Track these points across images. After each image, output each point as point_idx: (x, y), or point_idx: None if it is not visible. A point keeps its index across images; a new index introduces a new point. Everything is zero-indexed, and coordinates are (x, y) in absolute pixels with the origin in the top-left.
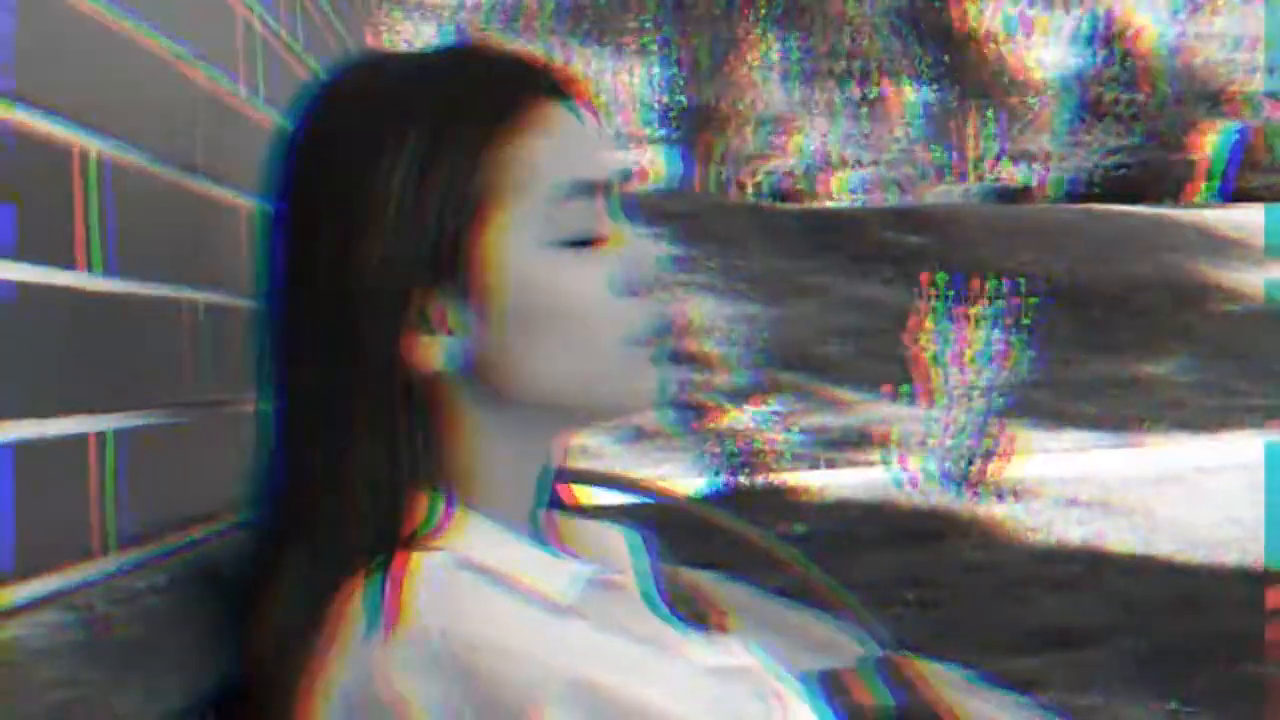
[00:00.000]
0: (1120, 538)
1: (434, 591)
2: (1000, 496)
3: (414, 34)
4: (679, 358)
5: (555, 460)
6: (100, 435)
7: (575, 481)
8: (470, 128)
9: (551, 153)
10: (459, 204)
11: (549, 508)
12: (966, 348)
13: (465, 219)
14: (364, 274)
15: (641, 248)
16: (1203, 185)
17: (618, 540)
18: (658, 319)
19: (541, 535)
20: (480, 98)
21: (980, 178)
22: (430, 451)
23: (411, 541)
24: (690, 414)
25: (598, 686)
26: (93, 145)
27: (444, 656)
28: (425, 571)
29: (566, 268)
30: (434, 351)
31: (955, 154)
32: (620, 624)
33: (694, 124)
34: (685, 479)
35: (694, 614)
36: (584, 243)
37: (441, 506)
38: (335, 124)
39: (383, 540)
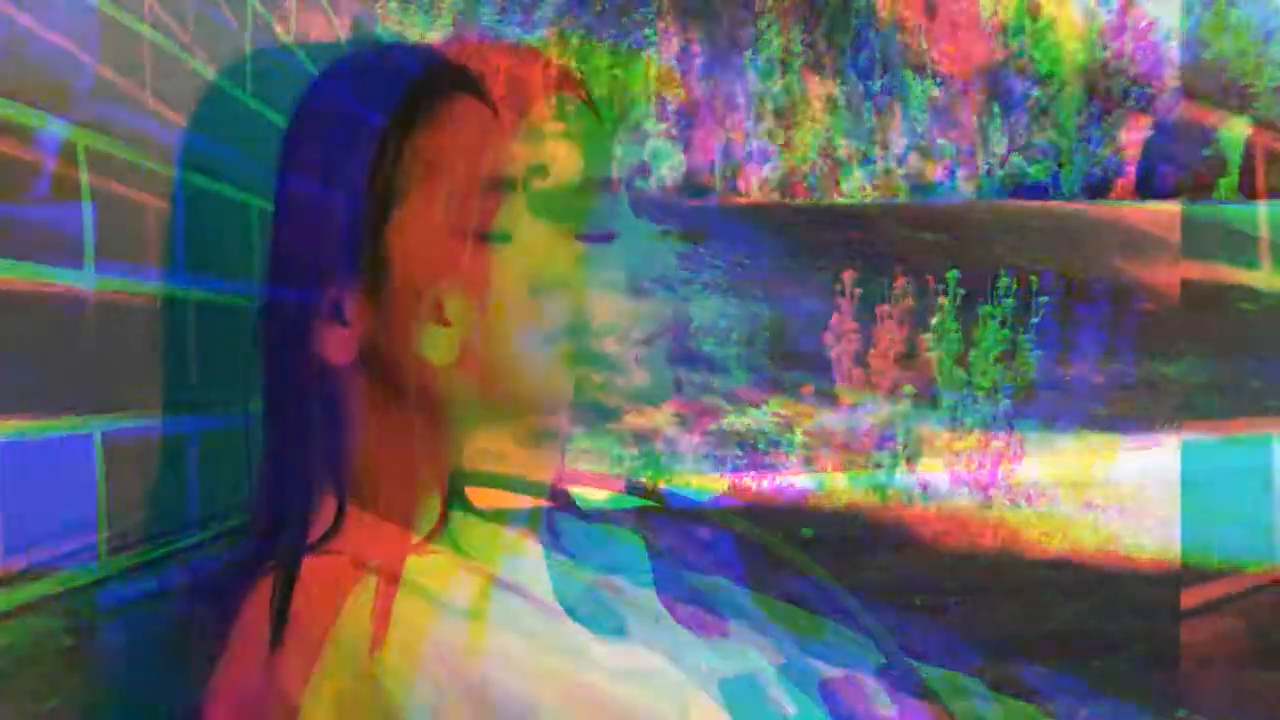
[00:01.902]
0: (1135, 541)
1: (330, 596)
2: (1012, 500)
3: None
4: (682, 358)
5: (465, 461)
6: (89, 437)
7: (572, 483)
8: (375, 120)
9: (458, 147)
10: (365, 195)
11: (462, 510)
12: (977, 347)
13: (370, 210)
14: (279, 265)
15: (556, 247)
16: (1220, 181)
17: (632, 542)
18: (570, 320)
19: (450, 537)
20: (387, 90)
21: (991, 173)
22: (333, 448)
23: (311, 544)
24: (693, 415)
25: (494, 686)
26: (86, 141)
27: (338, 662)
28: (321, 575)
29: (478, 263)
30: (342, 344)
31: (966, 148)
32: (523, 625)
33: (697, 118)
34: (690, 481)
35: (695, 618)
36: (492, 237)
37: (340, 507)
38: (290, 123)
39: (282, 542)
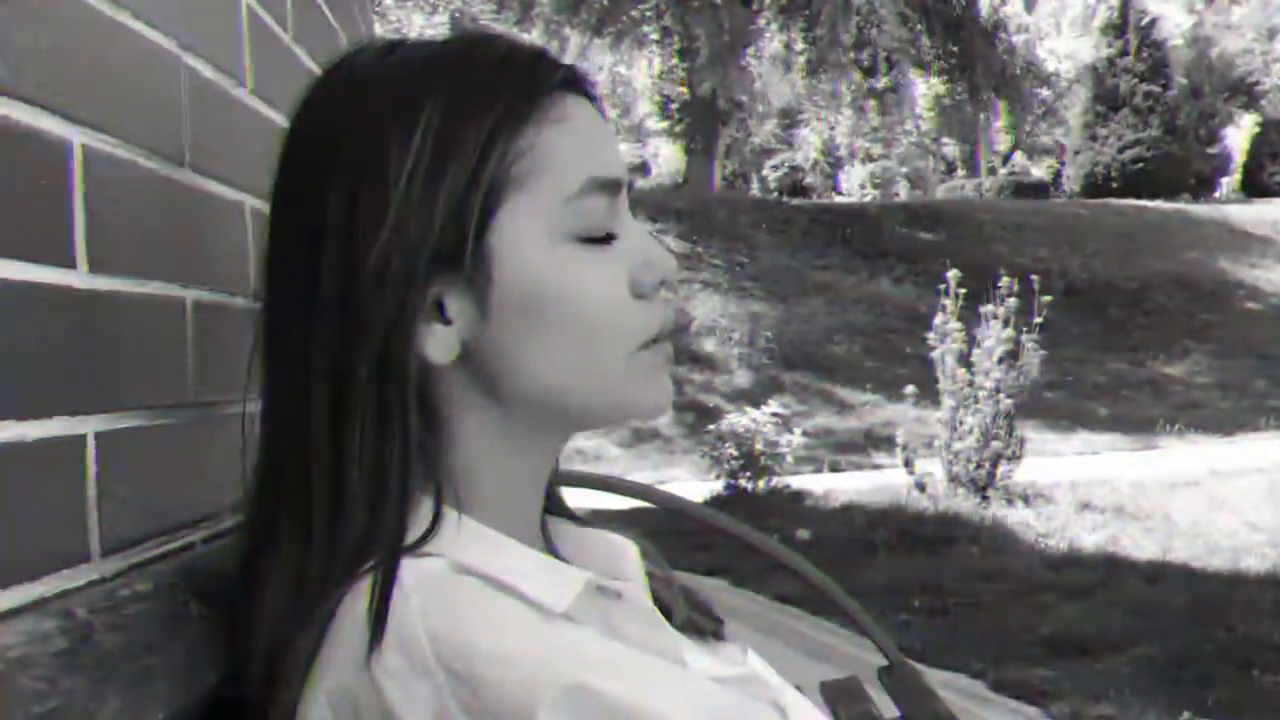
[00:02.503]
0: (1135, 543)
1: (429, 598)
2: (1012, 501)
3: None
4: (682, 357)
5: (555, 463)
6: (83, 437)
7: (574, 485)
8: (485, 117)
9: (568, 146)
10: (471, 192)
11: (550, 513)
12: (978, 347)
13: (477, 208)
14: (374, 261)
15: (655, 248)
16: (1225, 180)
17: (626, 547)
18: (669, 324)
19: (541, 540)
20: (496, 87)
21: (994, 171)
22: (428, 450)
23: (408, 545)
24: (693, 416)
25: (596, 693)
26: (80, 138)
27: (436, 665)
28: (420, 578)
29: (581, 264)
30: (443, 343)
31: (969, 148)
32: (620, 631)
33: (698, 117)
34: (687, 483)
35: (694, 622)
36: (598, 239)
37: (437, 509)
38: (342, 113)
39: (379, 544)
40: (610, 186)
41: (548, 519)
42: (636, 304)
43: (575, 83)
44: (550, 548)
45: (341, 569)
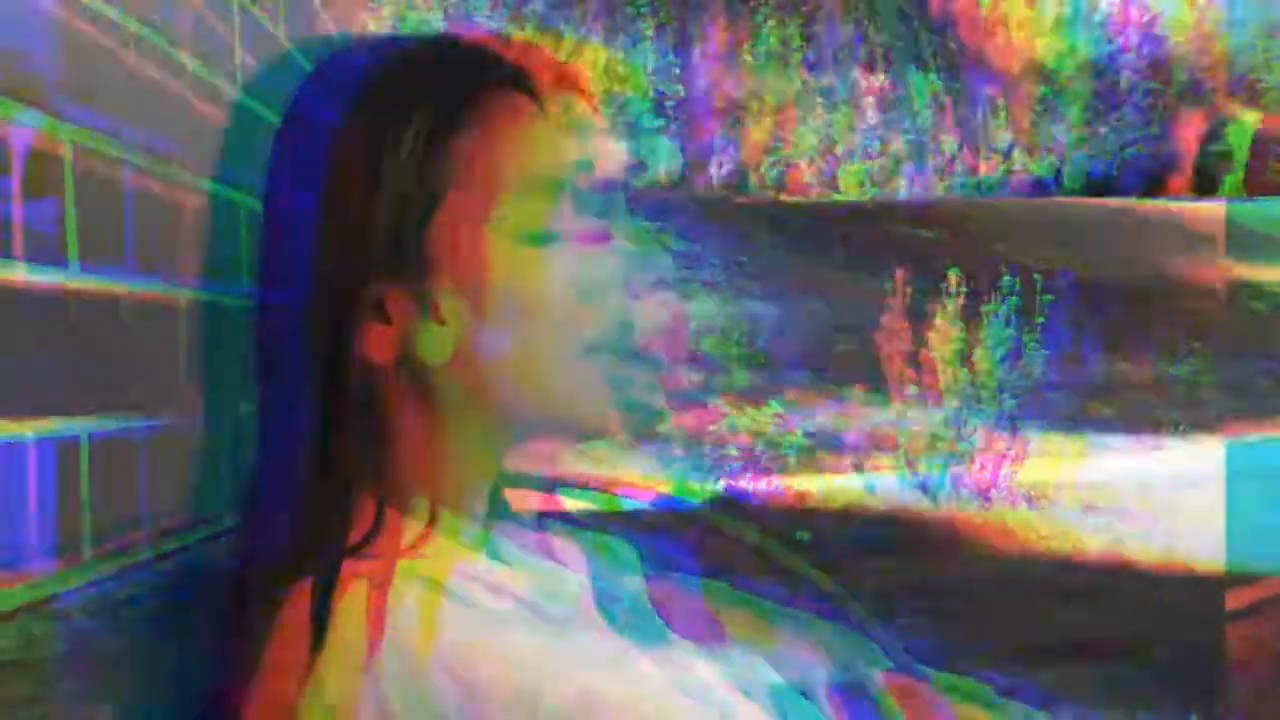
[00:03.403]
0: (1141, 544)
1: (416, 604)
2: (1014, 502)
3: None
4: (681, 358)
5: (506, 468)
6: (77, 438)
7: (567, 487)
8: (424, 114)
9: (508, 146)
10: (412, 193)
11: (503, 515)
12: (978, 347)
13: (419, 209)
14: (322, 262)
15: (632, 249)
16: (1227, 178)
17: (571, 551)
18: (612, 331)
19: (490, 545)
20: (435, 87)
21: (993, 170)
22: (373, 451)
23: (351, 548)
24: (692, 416)
25: (604, 696)
26: (71, 137)
27: (434, 670)
28: (416, 582)
29: (523, 266)
30: (385, 343)
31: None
32: (567, 638)
33: (692, 114)
34: (684, 484)
35: (691, 626)
36: (543, 239)
37: (380, 510)
38: (299, 115)
39: (322, 546)
40: (551, 185)
41: (542, 521)
42: (580, 308)
43: (520, 80)
44: (497, 553)
45: (294, 574)
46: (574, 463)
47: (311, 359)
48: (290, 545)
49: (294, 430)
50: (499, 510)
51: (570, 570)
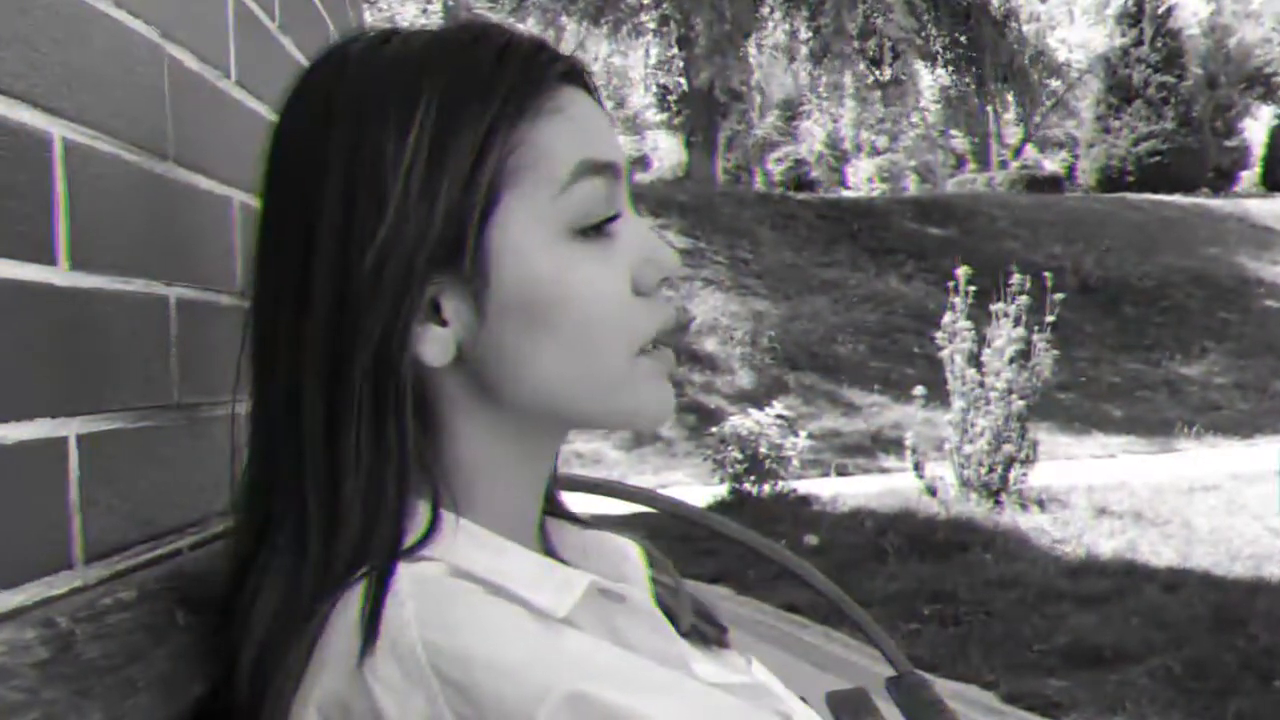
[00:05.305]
0: (1154, 549)
1: (424, 604)
2: (1026, 505)
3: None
4: (683, 357)
5: (555, 465)
6: (65, 440)
7: (575, 490)
8: (483, 112)
9: (563, 136)
10: (470, 190)
11: (551, 515)
12: (988, 346)
13: (475, 204)
14: (370, 262)
15: (657, 243)
16: (1244, 174)
17: (628, 549)
18: (670, 323)
19: (541, 543)
20: (494, 81)
21: (1005, 165)
22: (424, 454)
23: (405, 550)
24: (695, 418)
25: (596, 701)
26: (61, 131)
27: (431, 673)
28: (415, 583)
29: (580, 261)
30: (439, 345)
31: (979, 141)
32: (623, 637)
33: (699, 109)
34: (690, 487)
35: (699, 629)
36: (597, 227)
37: (434, 512)
38: (336, 107)
39: (374, 549)
40: (606, 169)
41: (548, 521)
42: (637, 302)
43: (574, 75)
44: (550, 550)
45: (336, 577)
46: (628, 466)
47: (357, 358)
48: (345, 547)
49: (337, 433)
50: (551, 508)
51: (629, 566)
